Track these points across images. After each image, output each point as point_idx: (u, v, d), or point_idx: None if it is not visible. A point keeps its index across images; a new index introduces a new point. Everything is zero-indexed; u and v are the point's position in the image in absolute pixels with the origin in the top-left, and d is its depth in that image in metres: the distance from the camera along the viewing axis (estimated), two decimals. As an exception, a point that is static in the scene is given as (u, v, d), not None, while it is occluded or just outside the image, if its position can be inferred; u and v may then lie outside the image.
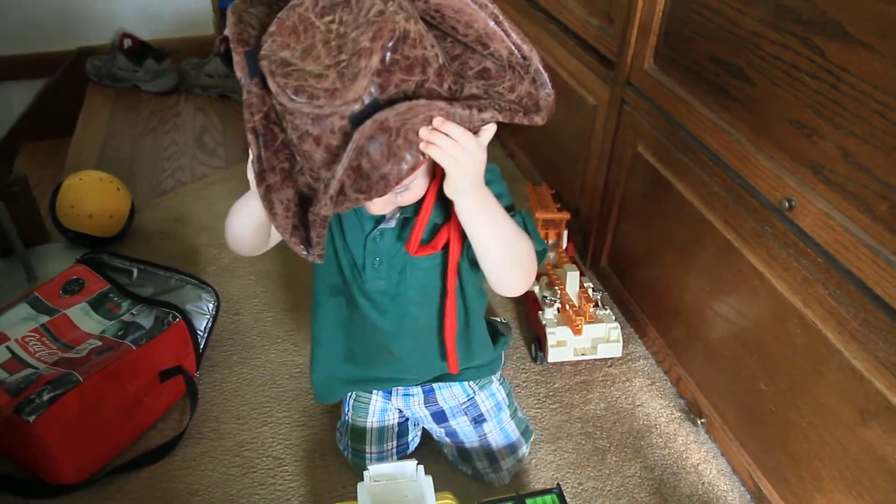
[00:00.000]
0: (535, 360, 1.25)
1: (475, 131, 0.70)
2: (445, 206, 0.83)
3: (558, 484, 0.91)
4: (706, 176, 1.01)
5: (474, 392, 1.03)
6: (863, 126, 0.74)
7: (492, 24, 0.69)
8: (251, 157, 0.71)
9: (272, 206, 0.71)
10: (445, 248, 0.86)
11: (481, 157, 0.72)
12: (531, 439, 1.07)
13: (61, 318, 1.11)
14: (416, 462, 0.89)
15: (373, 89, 0.65)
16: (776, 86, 0.85)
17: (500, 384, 1.06)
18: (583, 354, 1.23)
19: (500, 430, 1.03)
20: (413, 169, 0.69)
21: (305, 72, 0.66)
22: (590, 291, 1.25)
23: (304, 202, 0.72)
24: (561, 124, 1.47)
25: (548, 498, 0.90)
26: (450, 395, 1.03)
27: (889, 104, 0.70)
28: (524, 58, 0.70)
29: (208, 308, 1.20)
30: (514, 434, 1.04)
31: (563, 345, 1.21)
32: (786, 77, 0.83)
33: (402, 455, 1.06)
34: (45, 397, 0.95)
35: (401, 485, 0.88)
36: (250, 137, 0.70)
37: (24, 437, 0.95)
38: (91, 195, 1.46)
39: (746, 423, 1.02)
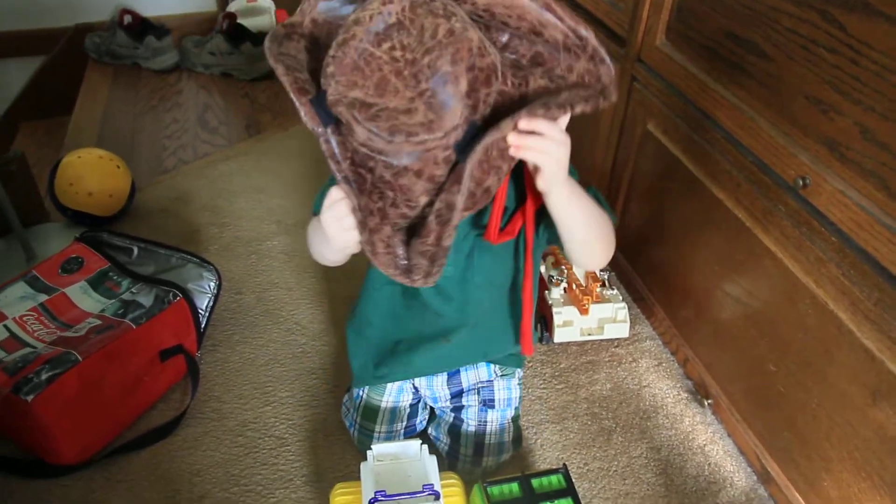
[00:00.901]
0: (540, 340, 1.24)
1: None
2: (517, 191, 0.83)
3: (564, 464, 0.91)
4: (718, 154, 0.99)
5: (496, 376, 1.03)
6: (883, 102, 0.72)
7: (545, 12, 0.68)
8: (349, 205, 0.70)
9: (374, 247, 0.71)
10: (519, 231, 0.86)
11: (568, 143, 0.71)
12: (519, 449, 1.05)
13: (60, 297, 1.10)
14: (421, 442, 0.88)
15: (466, 112, 0.64)
16: (793, 61, 0.83)
17: (518, 384, 1.06)
18: (589, 335, 1.21)
19: (499, 425, 1.02)
20: (508, 173, 0.70)
21: (391, 109, 0.64)
22: (597, 271, 1.24)
23: (397, 233, 0.72)
24: (567, 102, 1.45)
25: (553, 478, 0.89)
26: (474, 375, 1.03)
27: (911, 79, 0.69)
28: (580, 38, 0.69)
29: (210, 287, 1.19)
30: (508, 436, 1.03)
31: (570, 325, 1.20)
32: (803, 52, 0.81)
33: (409, 437, 1.05)
34: (44, 376, 0.94)
35: (404, 464, 0.87)
36: (344, 188, 0.69)
37: (23, 416, 0.94)
38: (90, 173, 1.44)
39: (754, 405, 1.01)
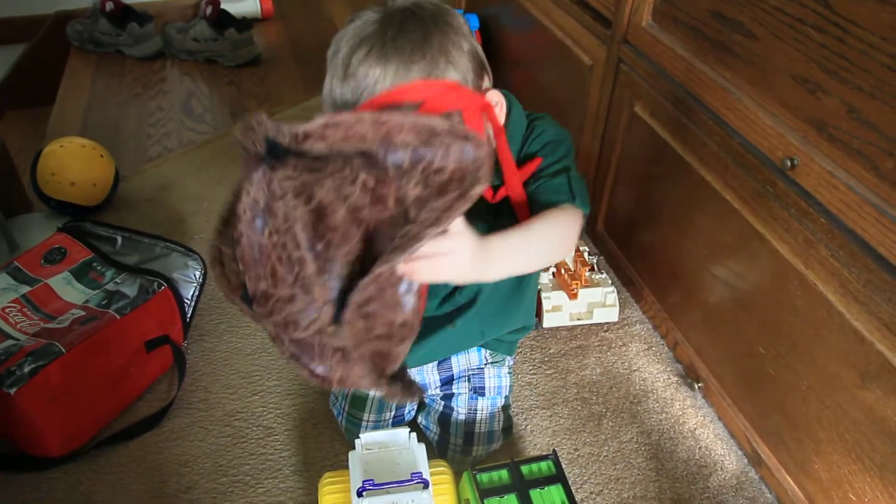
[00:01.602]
0: (529, 326, 1.23)
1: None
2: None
3: (554, 451, 0.90)
4: (706, 136, 0.98)
5: (487, 363, 1.03)
6: (870, 80, 0.71)
7: (388, 121, 0.65)
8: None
9: (361, 384, 0.70)
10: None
11: (467, 242, 0.68)
12: (509, 438, 1.05)
13: (43, 288, 1.08)
14: (409, 430, 0.88)
15: (332, 283, 0.65)
16: (780, 40, 0.82)
17: (508, 373, 1.06)
18: (578, 319, 1.21)
19: (489, 413, 1.02)
20: (420, 286, 0.69)
21: (281, 299, 0.66)
22: (585, 255, 1.23)
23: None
24: (556, 85, 1.44)
25: (543, 464, 0.89)
26: (465, 360, 1.03)
27: (898, 56, 0.68)
28: (432, 127, 0.65)
29: (195, 276, 1.18)
30: (498, 424, 1.03)
31: (559, 309, 1.19)
32: (790, 31, 0.80)
33: (396, 426, 1.05)
34: (27, 369, 0.93)
35: (393, 453, 0.87)
36: (293, 362, 0.71)
37: (6, 409, 0.93)
38: (73, 162, 1.42)
39: (744, 387, 1.01)
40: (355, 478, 0.82)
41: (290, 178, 0.65)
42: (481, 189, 0.65)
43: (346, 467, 0.86)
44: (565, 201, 0.83)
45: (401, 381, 0.72)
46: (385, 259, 0.63)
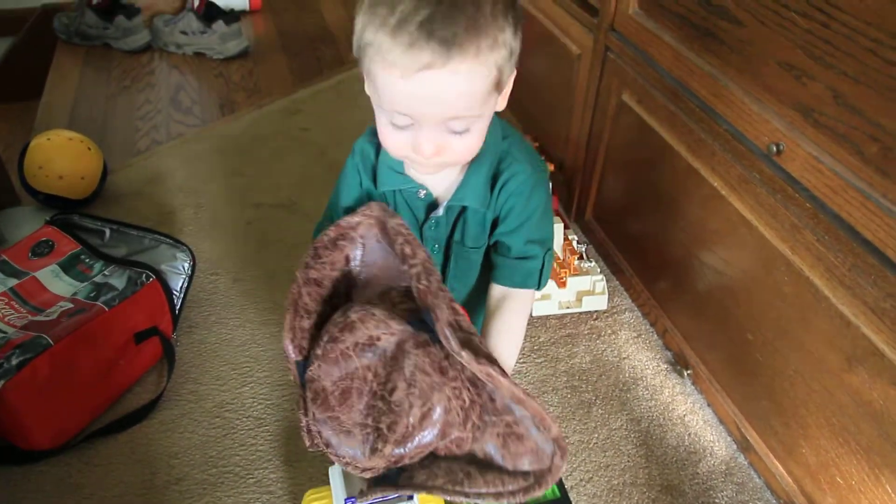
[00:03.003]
0: (519, 315, 1.23)
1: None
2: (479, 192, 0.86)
3: (543, 438, 0.90)
4: (692, 123, 0.98)
5: None
6: (854, 65, 0.71)
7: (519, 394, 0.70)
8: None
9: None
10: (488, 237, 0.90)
11: None
12: None
13: (30, 281, 1.08)
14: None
15: (391, 459, 0.70)
16: (765, 26, 0.82)
17: None
18: (568, 308, 1.21)
19: None
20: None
21: (339, 421, 0.70)
22: (574, 244, 1.23)
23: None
24: (544, 75, 1.43)
25: (533, 452, 0.89)
26: None
27: (882, 41, 0.68)
28: (543, 421, 0.69)
29: (184, 268, 1.17)
30: None
31: (548, 298, 1.20)
32: (775, 17, 0.80)
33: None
34: (14, 362, 0.92)
35: None
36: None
37: (-6, 402, 0.93)
38: (61, 155, 1.41)
39: (733, 374, 1.01)
40: (337, 494, 0.80)
41: (426, 372, 0.70)
42: (541, 492, 0.70)
43: (328, 483, 0.84)
44: (531, 287, 0.89)
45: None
46: (432, 488, 0.70)
